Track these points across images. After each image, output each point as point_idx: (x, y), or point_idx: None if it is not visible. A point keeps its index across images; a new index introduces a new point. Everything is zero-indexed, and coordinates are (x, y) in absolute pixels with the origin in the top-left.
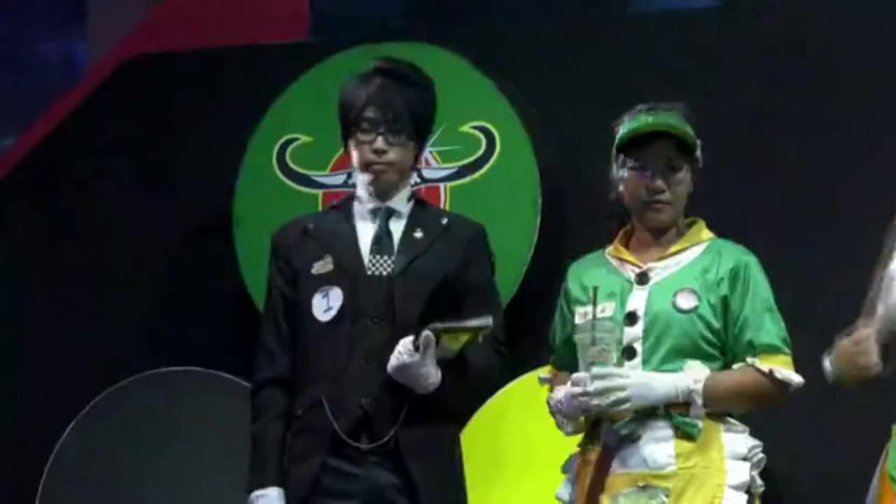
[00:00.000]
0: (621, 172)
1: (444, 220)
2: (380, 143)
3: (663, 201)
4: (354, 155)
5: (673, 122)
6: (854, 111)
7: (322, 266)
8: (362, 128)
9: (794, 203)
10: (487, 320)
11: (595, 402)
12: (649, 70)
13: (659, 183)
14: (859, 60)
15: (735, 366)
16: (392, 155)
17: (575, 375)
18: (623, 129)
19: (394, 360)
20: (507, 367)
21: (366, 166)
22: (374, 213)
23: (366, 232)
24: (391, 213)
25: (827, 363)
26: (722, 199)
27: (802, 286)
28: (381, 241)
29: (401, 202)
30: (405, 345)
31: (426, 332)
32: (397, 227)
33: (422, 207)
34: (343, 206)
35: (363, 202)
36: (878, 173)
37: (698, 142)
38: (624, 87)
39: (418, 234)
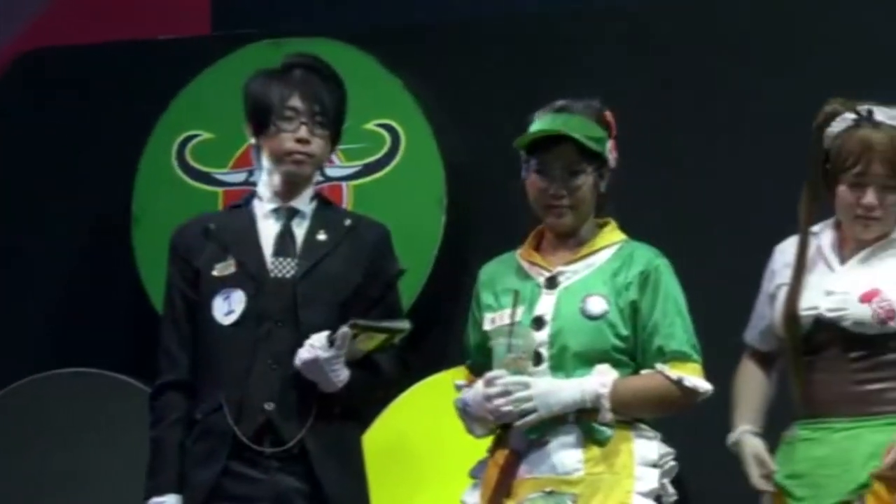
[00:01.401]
0: (525, 175)
1: (348, 221)
2: (304, 132)
3: (563, 206)
4: (271, 146)
5: (576, 126)
6: (759, 113)
7: (224, 268)
8: (285, 116)
9: (705, 206)
10: (405, 324)
11: (506, 408)
12: (559, 68)
13: (556, 188)
14: (768, 60)
15: (644, 371)
16: (314, 146)
17: (488, 374)
18: (527, 131)
19: (305, 354)
20: (413, 368)
21: (286, 155)
22: (276, 212)
23: (268, 233)
24: (294, 213)
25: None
26: (633, 201)
27: (715, 290)
28: (284, 242)
29: (303, 202)
30: (319, 339)
31: (344, 329)
32: (300, 228)
33: (325, 207)
34: (244, 205)
35: (264, 201)
36: (786, 176)
37: (609, 142)
38: (533, 85)
39: (322, 236)
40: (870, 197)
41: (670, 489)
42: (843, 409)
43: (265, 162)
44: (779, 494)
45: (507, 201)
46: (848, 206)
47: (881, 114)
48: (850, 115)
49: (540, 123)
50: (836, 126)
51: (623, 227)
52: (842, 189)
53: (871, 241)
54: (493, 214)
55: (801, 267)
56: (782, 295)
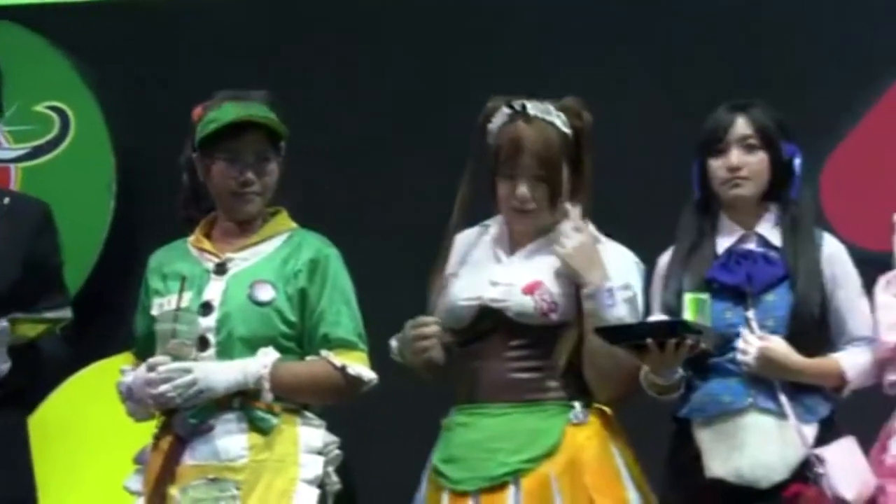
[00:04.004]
0: (208, 162)
1: (7, 200)
2: None
3: (253, 192)
4: None
5: (263, 113)
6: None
7: None
8: None
9: (375, 196)
10: (66, 313)
11: (170, 395)
12: (231, 53)
13: (250, 175)
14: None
15: (309, 358)
16: None
17: (151, 360)
18: (209, 119)
19: None
20: (82, 353)
21: None
22: None
23: None
24: None
25: (394, 342)
26: (305, 190)
27: (383, 281)
28: None
29: None
30: None
31: (3, 324)
32: None
33: None
34: None
35: None
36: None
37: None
38: (205, 70)
39: None
40: (521, 189)
41: (334, 477)
42: (500, 395)
43: None
44: (434, 478)
45: (179, 187)
46: (504, 199)
47: (534, 108)
48: (506, 110)
49: (225, 113)
50: (496, 121)
51: (294, 217)
52: (499, 182)
53: (539, 234)
54: (163, 200)
55: (443, 261)
56: (450, 285)
